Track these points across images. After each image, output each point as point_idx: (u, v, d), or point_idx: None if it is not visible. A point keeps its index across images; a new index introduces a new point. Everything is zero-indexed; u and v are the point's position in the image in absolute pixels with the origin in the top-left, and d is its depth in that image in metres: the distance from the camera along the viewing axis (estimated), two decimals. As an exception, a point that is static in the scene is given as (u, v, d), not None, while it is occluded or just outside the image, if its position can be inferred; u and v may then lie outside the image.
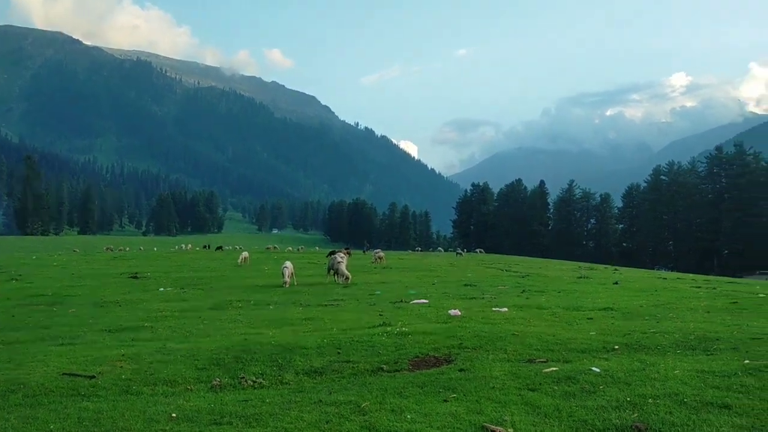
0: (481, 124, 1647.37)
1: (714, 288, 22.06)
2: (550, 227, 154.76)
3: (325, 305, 18.41)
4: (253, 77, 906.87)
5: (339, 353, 10.07)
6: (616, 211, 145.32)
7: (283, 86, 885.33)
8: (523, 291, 22.05)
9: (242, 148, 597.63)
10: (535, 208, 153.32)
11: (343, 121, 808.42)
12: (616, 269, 49.04)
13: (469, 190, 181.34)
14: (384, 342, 10.67)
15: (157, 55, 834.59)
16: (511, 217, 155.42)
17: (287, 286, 26.25)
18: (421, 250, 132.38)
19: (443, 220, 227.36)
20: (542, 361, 8.85)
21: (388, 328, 12.06)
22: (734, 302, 15.91)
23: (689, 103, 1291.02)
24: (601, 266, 59.28)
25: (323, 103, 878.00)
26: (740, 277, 77.85)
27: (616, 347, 9.62)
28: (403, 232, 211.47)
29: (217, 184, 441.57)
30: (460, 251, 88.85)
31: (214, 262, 49.69)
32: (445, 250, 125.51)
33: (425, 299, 18.83)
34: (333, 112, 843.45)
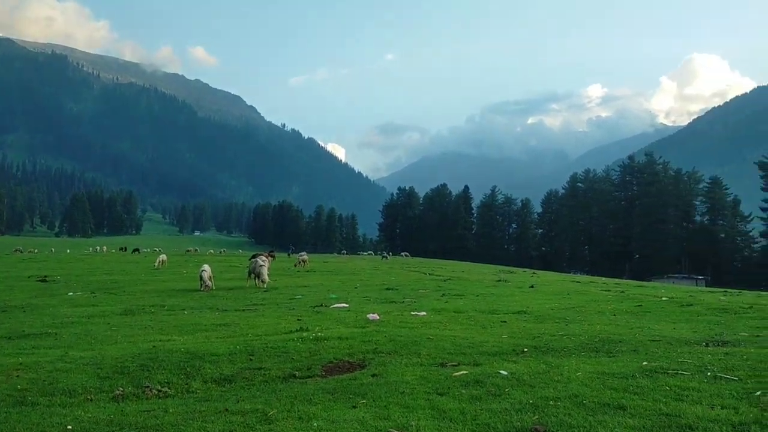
0: (407, 128, 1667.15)
1: (622, 291, 23.10)
2: (473, 231, 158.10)
3: (243, 310, 18.04)
4: (176, 75, 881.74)
5: (251, 360, 9.84)
6: (536, 216, 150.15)
7: (208, 85, 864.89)
8: (443, 295, 22.38)
9: (164, 147, 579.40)
10: (459, 212, 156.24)
11: (270, 122, 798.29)
12: (534, 273, 50.63)
13: (395, 194, 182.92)
14: (299, 348, 10.53)
15: (73, 49, 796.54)
16: (436, 221, 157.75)
17: (205, 290, 25.60)
18: (347, 254, 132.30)
19: (370, 223, 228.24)
20: (454, 365, 8.95)
21: (305, 334, 11.93)
22: (639, 305, 16.69)
23: (604, 114, 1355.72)
24: (521, 270, 61.10)
25: (249, 103, 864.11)
26: (649, 280, 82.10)
27: (525, 350, 9.87)
28: (329, 235, 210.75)
29: (137, 184, 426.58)
30: (385, 255, 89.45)
31: (130, 265, 47.89)
32: (373, 254, 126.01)
33: (346, 303, 18.77)
34: (259, 113, 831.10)
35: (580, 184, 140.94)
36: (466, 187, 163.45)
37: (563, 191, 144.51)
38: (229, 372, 9.16)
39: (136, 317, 17.00)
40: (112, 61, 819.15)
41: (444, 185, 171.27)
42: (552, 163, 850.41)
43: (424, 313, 15.64)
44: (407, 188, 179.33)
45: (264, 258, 29.77)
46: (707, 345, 9.69)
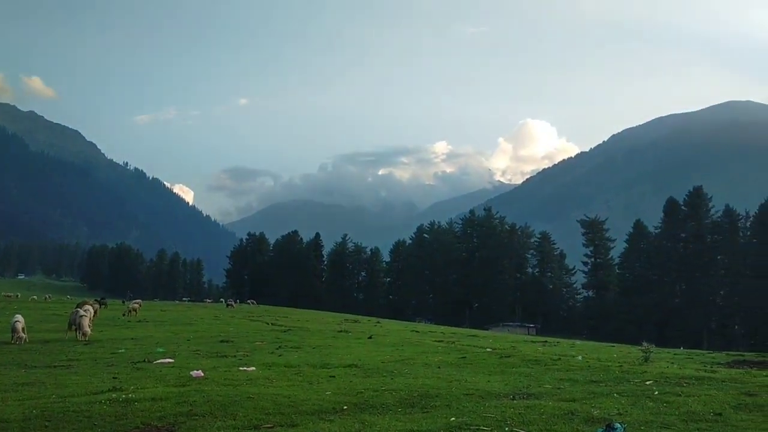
0: (259, 173, 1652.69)
1: (452, 343, 24.05)
2: (324, 279, 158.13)
3: (54, 366, 16.41)
4: (6, 104, 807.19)
5: (47, 427, 8.87)
6: (385, 264, 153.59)
7: (43, 117, 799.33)
8: (279, 347, 21.93)
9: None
10: (309, 259, 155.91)
11: (111, 160, 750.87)
12: (378, 322, 51.41)
13: (245, 239, 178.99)
14: (105, 411, 9.66)
15: None
16: (287, 268, 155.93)
17: (18, 342, 23.06)
18: (190, 301, 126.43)
19: (217, 269, 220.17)
20: (269, 427, 8.69)
21: (115, 395, 11.01)
22: (463, 357, 17.42)
23: (449, 169, 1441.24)
24: (366, 318, 61.83)
25: (88, 139, 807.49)
26: (487, 328, 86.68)
27: (345, 407, 9.84)
28: (171, 280, 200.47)
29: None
30: (230, 303, 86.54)
31: (-71, 314, 42.00)
32: (216, 301, 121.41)
33: (172, 358, 17.73)
34: (99, 150, 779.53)
35: (426, 235, 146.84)
36: (318, 235, 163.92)
37: (410, 241, 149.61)
38: (16, 443, 8.18)
39: None
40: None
41: (295, 232, 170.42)
42: (401, 214, 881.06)
43: (254, 368, 15.17)
44: (257, 234, 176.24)
45: (88, 307, 27.53)
46: (513, 398, 10.26)
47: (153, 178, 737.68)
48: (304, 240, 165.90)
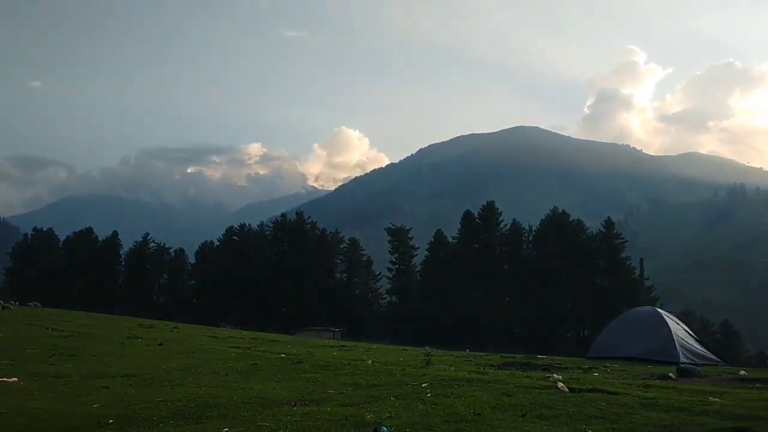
0: (51, 163, 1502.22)
1: (248, 349, 23.53)
2: (121, 281, 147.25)
3: None
4: None
5: None
6: (190, 266, 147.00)
7: None
8: (53, 355, 19.81)
9: None
10: (106, 259, 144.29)
11: None
12: (176, 327, 48.77)
13: (30, 235, 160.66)
14: None
15: None
16: (80, 269, 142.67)
17: None
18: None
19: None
20: (13, 448, 7.74)
21: None
22: (254, 364, 17.08)
23: (262, 171, 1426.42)
24: (164, 323, 58.39)
25: None
26: (293, 333, 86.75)
27: (111, 421, 9.12)
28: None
29: None
30: (7, 304, 76.94)
31: None
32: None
33: None
34: None
35: (235, 237, 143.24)
36: (116, 232, 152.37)
37: (218, 243, 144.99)
38: None
39: None
40: None
41: (90, 229, 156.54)
42: (211, 214, 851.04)
43: (15, 379, 13.52)
44: (45, 230, 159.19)
45: None
46: (295, 405, 10.24)
47: None
48: (101, 238, 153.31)
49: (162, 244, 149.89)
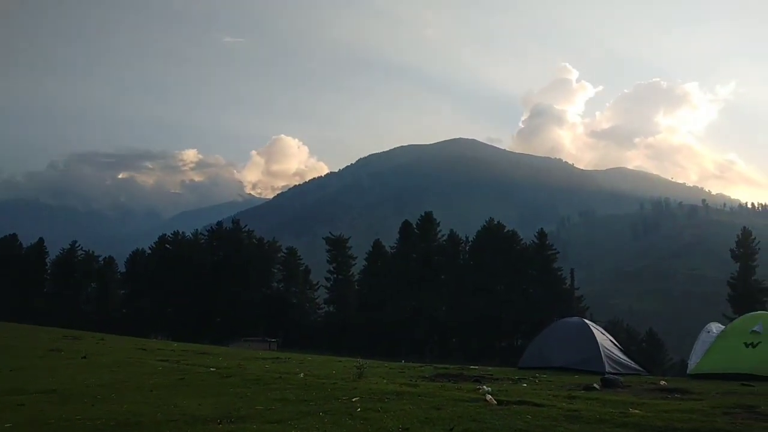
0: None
1: (177, 362, 22.84)
2: (46, 290, 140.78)
3: None
4: None
5: None
6: (120, 275, 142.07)
7: None
8: (-35, 371, 18.71)
9: None
10: (30, 268, 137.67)
11: None
12: (102, 338, 46.99)
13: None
14: None
15: None
16: (1, 278, 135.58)
17: None
18: None
19: None
20: None
21: None
22: (182, 378, 16.56)
23: (198, 178, 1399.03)
24: (91, 335, 56.15)
25: None
26: (227, 344, 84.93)
27: (20, 444, 8.65)
28: None
29: None
30: None
31: None
32: None
33: None
34: None
35: (168, 246, 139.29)
36: (41, 240, 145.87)
37: (150, 251, 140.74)
38: None
39: None
40: None
41: (14, 236, 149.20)
42: (143, 222, 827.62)
43: None
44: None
45: None
46: (220, 422, 9.97)
47: None
48: (25, 245, 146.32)
49: (91, 252, 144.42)
